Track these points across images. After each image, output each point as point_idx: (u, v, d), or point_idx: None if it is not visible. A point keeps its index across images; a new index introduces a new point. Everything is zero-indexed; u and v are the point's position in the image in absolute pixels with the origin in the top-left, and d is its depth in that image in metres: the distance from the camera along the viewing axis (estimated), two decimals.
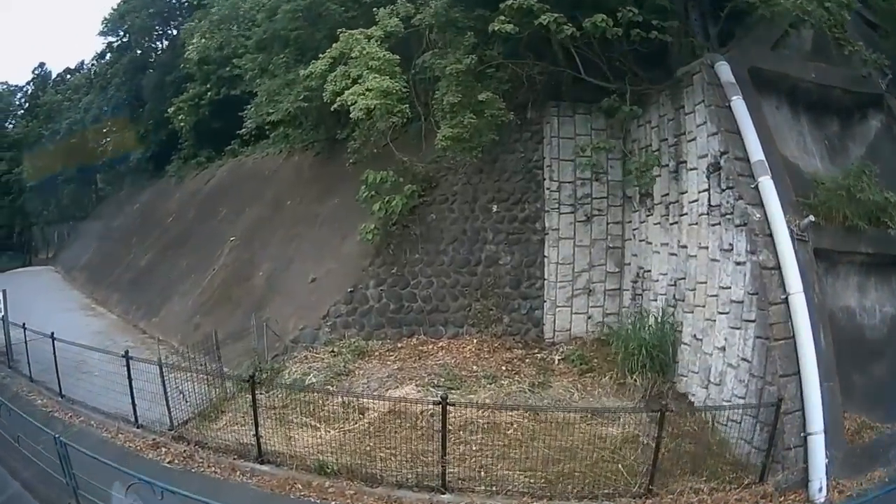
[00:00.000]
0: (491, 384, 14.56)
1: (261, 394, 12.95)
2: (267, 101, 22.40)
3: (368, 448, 11.89)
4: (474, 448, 11.76)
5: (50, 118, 55.19)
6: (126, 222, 42.95)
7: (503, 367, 15.45)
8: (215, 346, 15.85)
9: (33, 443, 11.42)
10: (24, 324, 18.27)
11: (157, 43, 47.38)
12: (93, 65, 56.28)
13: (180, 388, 13.89)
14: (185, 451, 12.90)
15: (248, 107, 24.52)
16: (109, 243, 42.01)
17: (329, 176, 22.66)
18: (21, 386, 17.67)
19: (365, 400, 13.35)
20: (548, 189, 16.99)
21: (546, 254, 17.02)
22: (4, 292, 20.09)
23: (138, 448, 13.38)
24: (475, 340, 16.68)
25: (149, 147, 43.30)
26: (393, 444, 11.82)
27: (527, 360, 15.86)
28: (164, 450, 13.14)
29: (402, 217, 17.43)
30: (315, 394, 13.55)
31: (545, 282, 17.01)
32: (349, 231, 18.90)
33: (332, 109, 16.96)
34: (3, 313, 19.78)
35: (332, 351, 16.33)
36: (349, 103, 15.85)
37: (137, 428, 14.05)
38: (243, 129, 25.66)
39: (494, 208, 17.52)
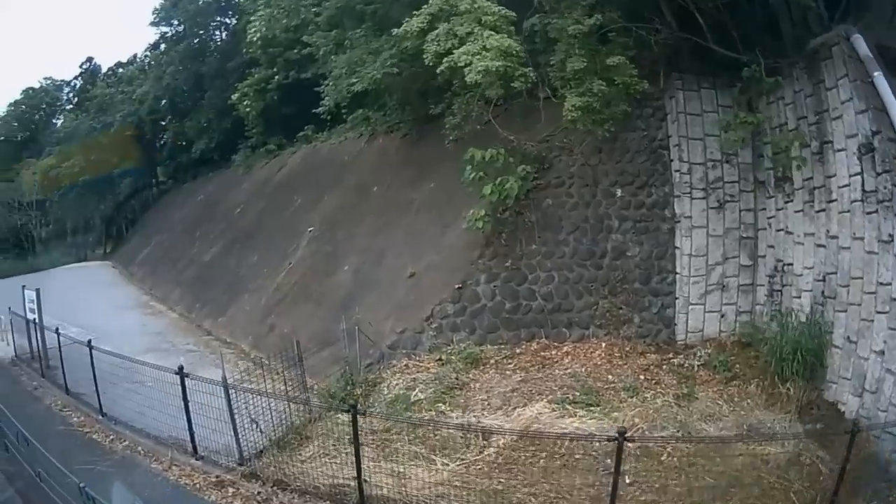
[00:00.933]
0: (632, 398, 12.85)
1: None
2: (348, 72, 20.46)
3: (499, 486, 9.97)
4: (627, 480, 10.03)
5: (102, 111, 55.02)
6: (189, 215, 42.01)
7: (641, 377, 13.71)
8: (297, 355, 13.49)
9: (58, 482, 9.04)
10: (56, 328, 16.27)
11: (216, 32, 46.76)
12: (146, 56, 56.29)
13: (251, 412, 11.43)
14: (259, 492, 10.62)
15: (326, 82, 22.65)
16: (171, 237, 41.23)
17: (421, 158, 21.09)
18: (55, 399, 15.65)
19: (488, 422, 11.60)
20: (677, 171, 15.46)
21: (678, 244, 15.45)
22: (38, 292, 17.82)
23: (197, 486, 11.08)
24: (604, 344, 14.92)
25: (212, 137, 42.85)
26: (532, 480, 10.11)
27: (664, 367, 14.15)
28: (230, 490, 10.82)
29: (515, 202, 15.52)
30: (429, 416, 11.77)
31: (677, 276, 15.39)
32: (451, 219, 17.27)
33: (437, 71, 14.83)
34: (35, 315, 17.74)
35: (440, 359, 14.45)
36: (461, 65, 13.86)
37: (196, 459, 11.78)
38: (320, 108, 23.73)
39: (618, 192, 15.88)
